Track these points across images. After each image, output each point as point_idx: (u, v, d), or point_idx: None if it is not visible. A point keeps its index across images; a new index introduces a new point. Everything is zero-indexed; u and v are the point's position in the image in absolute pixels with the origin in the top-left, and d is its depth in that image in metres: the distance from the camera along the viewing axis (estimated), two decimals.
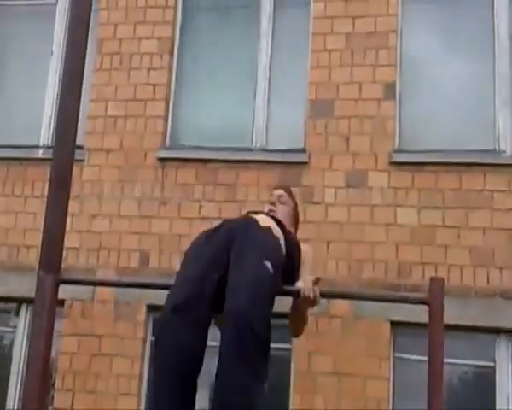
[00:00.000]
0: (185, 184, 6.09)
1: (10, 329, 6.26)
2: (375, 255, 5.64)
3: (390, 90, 5.94)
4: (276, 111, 6.21)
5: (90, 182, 6.23)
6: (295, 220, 3.79)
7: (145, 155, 6.22)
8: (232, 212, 5.45)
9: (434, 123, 5.95)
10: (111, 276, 5.90)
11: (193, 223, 5.93)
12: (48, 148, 6.28)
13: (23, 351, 6.03)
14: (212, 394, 2.76)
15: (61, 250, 2.98)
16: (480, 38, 6.03)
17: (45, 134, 6.52)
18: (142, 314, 5.87)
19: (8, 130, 6.65)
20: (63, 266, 3.03)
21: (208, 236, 3.19)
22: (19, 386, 5.95)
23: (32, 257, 5.89)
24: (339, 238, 5.72)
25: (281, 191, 3.77)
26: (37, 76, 6.69)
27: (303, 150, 5.99)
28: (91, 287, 5.83)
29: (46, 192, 3.06)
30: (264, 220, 3.28)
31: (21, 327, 6.15)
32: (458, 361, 5.42)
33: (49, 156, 3.32)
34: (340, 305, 5.48)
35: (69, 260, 5.86)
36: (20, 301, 6.15)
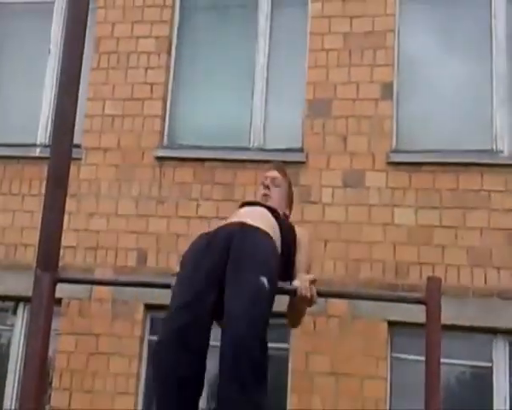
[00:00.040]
0: (183, 184, 6.08)
1: (7, 327, 6.25)
2: (372, 255, 5.64)
3: (387, 89, 5.94)
4: (273, 110, 6.21)
5: (88, 181, 6.22)
6: (289, 200, 3.73)
7: (142, 154, 6.21)
8: (230, 211, 5.41)
9: (432, 123, 5.96)
10: (108, 275, 5.89)
11: (190, 222, 5.93)
12: (45, 146, 6.26)
13: (20, 350, 6.02)
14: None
15: (59, 249, 2.99)
16: (478, 38, 6.04)
17: (42, 133, 6.51)
18: (139, 313, 5.86)
19: (5, 128, 6.64)
20: (60, 264, 3.03)
21: (205, 244, 3.10)
22: (16, 385, 5.95)
23: (30, 256, 5.88)
24: (336, 238, 5.72)
25: (275, 173, 3.69)
26: (35, 75, 6.68)
27: (300, 150, 5.99)
28: (89, 286, 5.83)
29: (43, 191, 3.06)
30: (260, 218, 3.25)
31: (19, 326, 6.15)
32: (455, 361, 5.42)
33: (47, 155, 3.32)
34: (338, 305, 5.48)
35: (66, 258, 5.86)
36: (17, 299, 6.15)
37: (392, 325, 5.51)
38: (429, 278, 2.84)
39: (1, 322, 6.33)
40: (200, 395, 2.86)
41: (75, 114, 3.10)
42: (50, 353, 5.28)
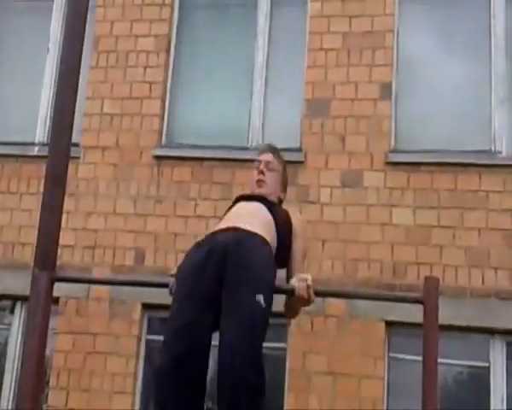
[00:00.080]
0: (181, 183, 6.08)
1: (5, 326, 6.24)
2: (370, 255, 5.64)
3: (386, 89, 5.94)
4: (272, 110, 6.21)
5: (86, 180, 6.22)
6: (284, 183, 3.65)
7: (141, 153, 6.21)
8: None
9: (430, 123, 5.96)
10: (106, 274, 5.89)
11: (188, 221, 5.93)
12: (43, 145, 6.26)
13: (17, 349, 6.01)
14: None
15: (56, 248, 2.98)
16: (477, 38, 6.04)
17: (41, 131, 6.50)
18: (137, 313, 5.86)
19: (3, 126, 6.63)
20: (58, 263, 3.03)
21: (204, 257, 3.03)
22: (13, 384, 5.94)
23: (27, 254, 5.87)
24: (334, 238, 5.72)
25: (269, 156, 3.57)
26: (34, 73, 6.68)
27: (299, 149, 5.99)
28: (86, 285, 5.82)
29: (41, 189, 3.06)
30: (256, 218, 3.23)
31: (16, 325, 6.14)
32: (453, 361, 5.42)
33: (45, 153, 3.32)
34: (336, 304, 5.48)
35: (64, 257, 5.85)
36: (14, 298, 6.13)
37: (389, 324, 5.51)
38: (427, 278, 2.83)
39: None
40: None
41: (73, 113, 3.09)
42: (48, 352, 5.25)
